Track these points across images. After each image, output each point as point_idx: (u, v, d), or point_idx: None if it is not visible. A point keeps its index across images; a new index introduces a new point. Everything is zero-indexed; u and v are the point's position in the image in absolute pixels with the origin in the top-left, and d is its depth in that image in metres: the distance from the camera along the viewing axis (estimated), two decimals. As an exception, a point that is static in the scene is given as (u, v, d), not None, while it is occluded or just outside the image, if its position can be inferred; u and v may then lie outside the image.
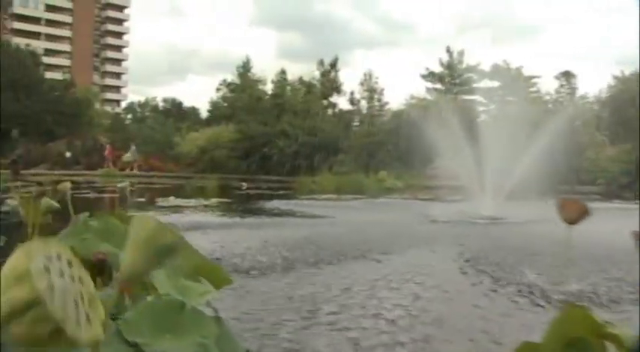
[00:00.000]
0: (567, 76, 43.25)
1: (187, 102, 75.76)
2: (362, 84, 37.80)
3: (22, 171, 29.46)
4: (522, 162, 11.44)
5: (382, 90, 38.07)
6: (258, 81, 38.61)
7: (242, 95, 39.14)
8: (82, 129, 45.35)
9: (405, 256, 5.76)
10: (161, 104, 70.72)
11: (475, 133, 13.22)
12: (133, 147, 34.12)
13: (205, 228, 7.40)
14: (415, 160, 21.27)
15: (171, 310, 1.08)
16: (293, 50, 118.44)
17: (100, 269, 1.56)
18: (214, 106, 49.46)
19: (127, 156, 25.50)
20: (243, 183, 19.91)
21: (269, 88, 40.49)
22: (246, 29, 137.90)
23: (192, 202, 12.41)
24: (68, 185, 2.76)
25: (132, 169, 32.90)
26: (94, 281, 1.79)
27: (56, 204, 2.19)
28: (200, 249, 1.42)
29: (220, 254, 5.34)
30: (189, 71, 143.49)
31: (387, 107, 36.79)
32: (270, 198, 14.78)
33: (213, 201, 13.01)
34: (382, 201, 14.53)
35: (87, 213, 1.83)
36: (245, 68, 49.60)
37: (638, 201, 13.54)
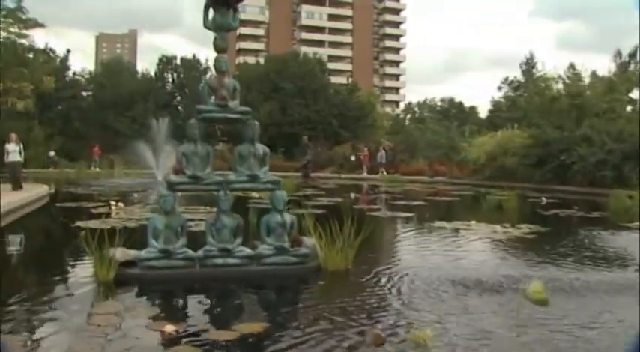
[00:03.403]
0: None
1: (465, 100, 74.39)
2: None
3: (312, 175, 30.76)
4: None
5: None
6: (552, 78, 35.25)
7: (529, 95, 36.22)
8: (365, 132, 46.59)
9: None
10: (439, 104, 70.21)
11: None
12: (382, 152, 34.68)
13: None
14: None
15: None
16: (574, 40, 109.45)
17: None
18: (496, 106, 47.04)
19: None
20: (543, 198, 17.63)
21: (559, 85, 36.83)
22: (522, 22, 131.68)
23: (497, 230, 10.51)
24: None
25: (382, 172, 33.74)
26: None
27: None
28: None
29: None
30: (466, 68, 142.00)
31: None
32: (586, 222, 12.39)
33: (523, 228, 10.87)
34: None
35: None
36: (529, 64, 46.33)
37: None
